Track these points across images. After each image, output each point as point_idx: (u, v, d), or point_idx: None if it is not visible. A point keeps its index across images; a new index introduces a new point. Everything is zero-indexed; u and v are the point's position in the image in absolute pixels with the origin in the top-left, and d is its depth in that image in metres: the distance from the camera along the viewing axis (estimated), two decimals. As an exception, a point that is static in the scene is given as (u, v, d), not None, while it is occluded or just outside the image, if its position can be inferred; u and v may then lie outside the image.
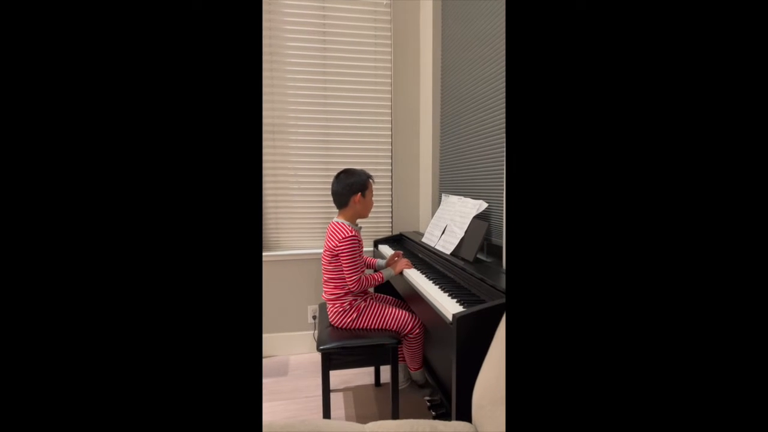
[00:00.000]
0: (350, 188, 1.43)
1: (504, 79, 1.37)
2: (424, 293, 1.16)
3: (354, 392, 1.75)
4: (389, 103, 2.17)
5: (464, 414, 0.89)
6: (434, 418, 1.41)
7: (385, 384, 1.81)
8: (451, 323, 0.91)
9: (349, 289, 1.40)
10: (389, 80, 2.15)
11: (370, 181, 1.48)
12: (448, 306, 0.99)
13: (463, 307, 0.97)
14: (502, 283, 1.04)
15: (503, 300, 0.92)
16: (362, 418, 1.55)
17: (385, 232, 2.25)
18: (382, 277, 1.45)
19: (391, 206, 2.24)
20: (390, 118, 2.18)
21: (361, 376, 1.89)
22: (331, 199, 1.50)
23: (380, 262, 1.66)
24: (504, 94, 1.37)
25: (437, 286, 1.18)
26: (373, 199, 1.53)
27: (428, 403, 1.49)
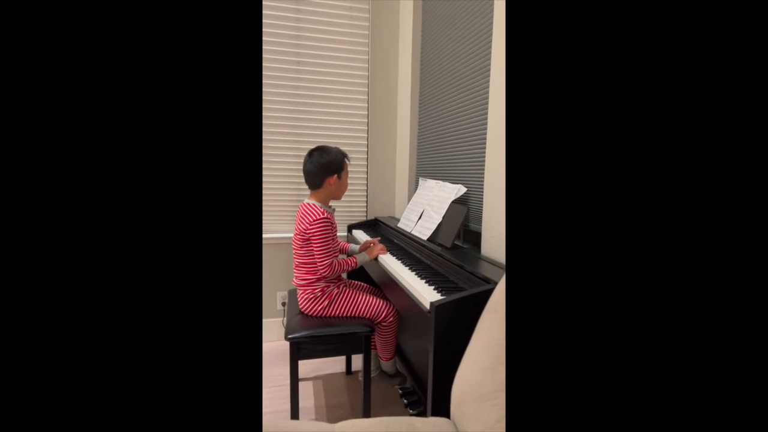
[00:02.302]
0: (325, 169, 1.34)
1: (486, 56, 1.30)
2: (400, 280, 1.10)
3: (324, 381, 1.69)
4: (366, 81, 2.06)
5: (441, 408, 0.84)
6: (407, 406, 1.38)
7: (356, 372, 1.77)
8: (429, 311, 0.86)
9: (321, 274, 1.32)
10: (366, 56, 2.04)
11: (346, 160, 1.39)
12: (425, 293, 0.94)
13: (441, 295, 0.92)
14: (481, 270, 1.00)
15: (483, 287, 0.88)
16: (332, 408, 1.50)
17: (360, 217, 2.17)
18: (356, 263, 1.37)
19: (367, 190, 2.16)
20: (366, 97, 2.08)
21: (332, 363, 1.84)
22: (302, 180, 1.40)
23: (353, 247, 1.59)
24: (486, 72, 1.31)
25: (413, 273, 1.13)
26: (348, 182, 1.44)
27: (400, 392, 1.46)
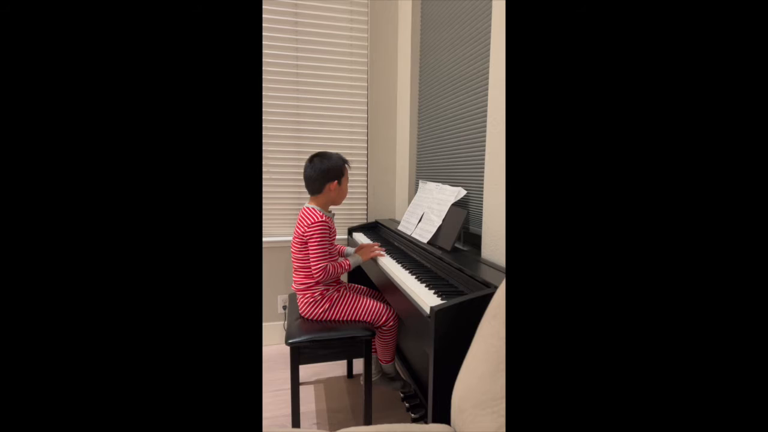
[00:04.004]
0: (325, 175, 1.33)
1: (485, 59, 1.30)
2: (400, 284, 1.10)
3: (325, 385, 1.69)
4: (365, 84, 2.06)
5: (442, 414, 0.84)
6: (408, 410, 1.37)
7: (357, 375, 1.76)
8: (429, 316, 0.85)
9: (315, 278, 1.32)
10: (365, 59, 2.05)
11: (346, 166, 1.39)
12: (425, 297, 0.94)
13: (441, 299, 0.92)
14: (481, 274, 0.99)
15: (484, 292, 0.88)
16: (334, 412, 1.49)
17: (360, 220, 2.17)
18: (349, 265, 1.37)
19: (367, 193, 2.15)
20: (366, 100, 2.08)
21: (333, 367, 1.84)
22: (303, 183, 1.40)
23: (349, 249, 1.59)
24: (485, 74, 1.30)
25: (413, 276, 1.13)
26: (348, 185, 1.44)
27: (402, 395, 1.45)
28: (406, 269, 1.21)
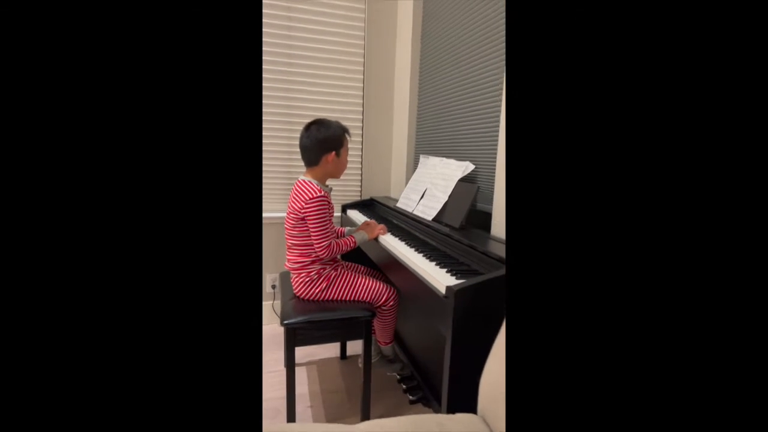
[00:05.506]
0: (323, 145, 1.22)
1: (497, 25, 1.20)
2: (407, 262, 1.02)
3: (318, 366, 1.63)
4: (362, 51, 1.93)
5: (461, 402, 0.78)
6: (405, 392, 1.33)
7: (351, 357, 1.71)
8: (446, 296, 0.79)
9: (317, 256, 1.23)
10: (362, 24, 1.90)
11: (346, 136, 1.28)
12: (439, 277, 0.87)
13: (457, 279, 0.85)
14: (495, 250, 0.93)
15: (502, 271, 0.81)
16: (328, 393, 1.44)
17: (354, 197, 2.08)
18: (355, 242, 1.29)
19: (361, 168, 2.05)
20: (362, 68, 1.95)
21: (326, 348, 1.77)
22: (294, 156, 1.29)
23: (349, 229, 1.49)
24: (496, 43, 1.21)
25: (421, 254, 1.05)
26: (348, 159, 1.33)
27: (398, 377, 1.41)
28: (411, 247, 1.13)
